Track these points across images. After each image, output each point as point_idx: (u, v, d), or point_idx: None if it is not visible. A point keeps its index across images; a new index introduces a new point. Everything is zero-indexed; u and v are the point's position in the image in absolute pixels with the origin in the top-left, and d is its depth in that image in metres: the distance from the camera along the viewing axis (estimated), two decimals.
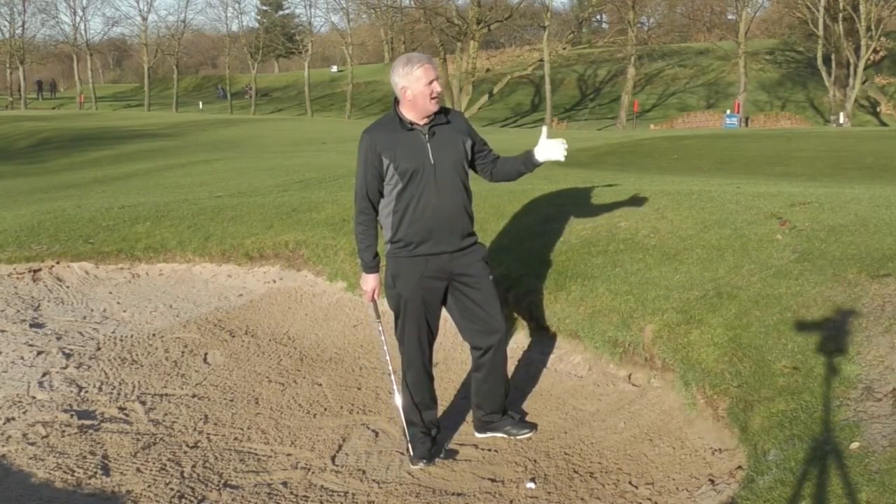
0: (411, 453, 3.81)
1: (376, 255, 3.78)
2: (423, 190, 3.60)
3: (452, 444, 3.98)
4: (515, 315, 5.03)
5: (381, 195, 3.68)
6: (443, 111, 3.70)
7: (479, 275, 3.77)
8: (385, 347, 4.00)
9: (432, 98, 3.58)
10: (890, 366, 3.38)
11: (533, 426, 4.04)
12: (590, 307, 4.65)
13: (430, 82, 3.55)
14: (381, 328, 4.00)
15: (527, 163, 3.85)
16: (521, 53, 59.84)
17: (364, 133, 3.67)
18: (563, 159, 3.80)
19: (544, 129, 4.00)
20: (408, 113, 3.64)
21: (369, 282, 3.81)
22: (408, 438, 3.83)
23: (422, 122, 3.64)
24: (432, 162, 3.61)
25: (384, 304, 4.05)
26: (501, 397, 3.97)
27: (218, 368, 5.00)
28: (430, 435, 3.86)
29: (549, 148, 3.79)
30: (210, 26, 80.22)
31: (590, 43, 63.91)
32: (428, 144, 3.62)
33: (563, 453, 3.79)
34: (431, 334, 3.82)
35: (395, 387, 3.95)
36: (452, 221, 3.67)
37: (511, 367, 4.71)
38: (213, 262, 6.85)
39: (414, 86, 3.55)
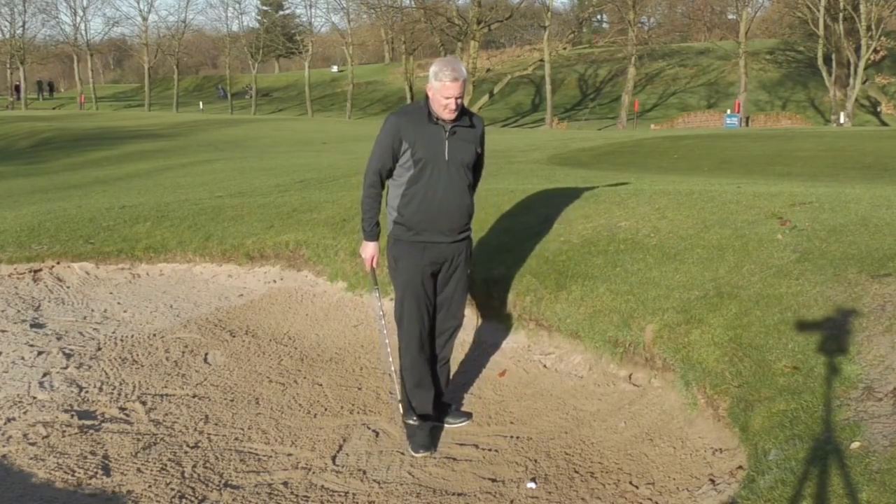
0: (410, 444, 3.89)
1: (378, 224, 3.99)
2: (433, 182, 3.82)
3: (453, 443, 3.99)
4: (515, 314, 5.03)
5: (391, 175, 3.91)
6: (469, 115, 3.90)
7: (462, 264, 4.01)
8: (384, 322, 4.16)
9: (445, 109, 3.75)
10: (890, 365, 3.38)
11: (469, 415, 4.21)
12: (590, 307, 4.65)
13: (448, 98, 3.72)
14: (378, 295, 4.21)
15: None
16: (522, 53, 59.89)
17: (391, 115, 3.90)
18: None
19: None
20: (436, 111, 3.82)
21: (368, 249, 4.03)
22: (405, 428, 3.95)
23: (447, 120, 3.81)
24: (446, 158, 3.82)
25: (384, 275, 4.30)
26: (446, 383, 4.22)
27: (218, 368, 5.00)
28: (428, 421, 3.92)
29: None
30: (210, 26, 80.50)
31: (590, 43, 63.93)
32: (447, 141, 3.82)
33: (564, 453, 3.79)
34: (430, 316, 3.98)
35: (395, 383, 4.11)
36: (454, 216, 3.88)
37: (511, 367, 4.72)
38: (214, 262, 6.85)
39: (434, 93, 3.76)
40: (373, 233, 4.00)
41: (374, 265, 4.08)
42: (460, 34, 43.74)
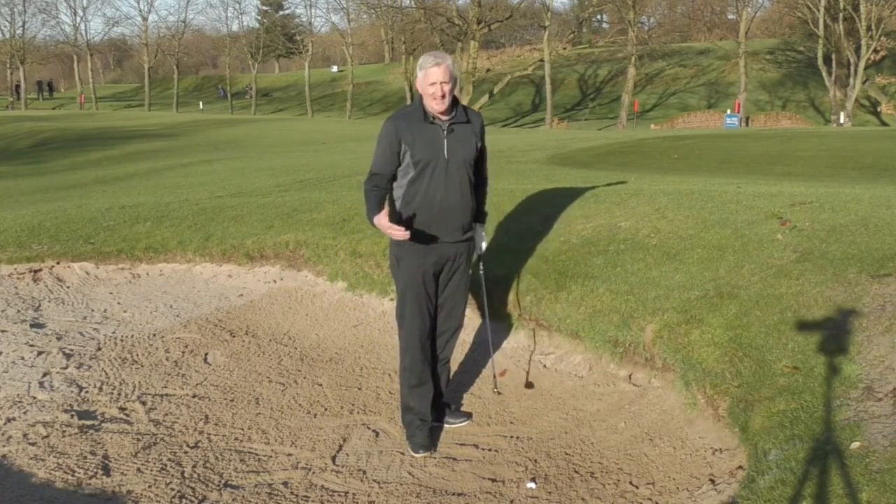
0: (410, 444, 3.89)
1: (379, 205, 3.78)
2: (434, 182, 3.78)
3: (453, 443, 3.99)
4: (515, 315, 5.03)
5: (394, 178, 3.86)
6: (464, 111, 3.86)
7: (464, 264, 3.99)
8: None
9: (433, 98, 3.70)
10: (890, 365, 3.38)
11: (469, 415, 4.22)
12: (590, 307, 4.65)
13: (433, 84, 3.67)
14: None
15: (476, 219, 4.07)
16: (522, 53, 59.90)
17: (389, 119, 3.85)
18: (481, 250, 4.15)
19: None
20: (429, 106, 3.79)
21: (382, 220, 3.67)
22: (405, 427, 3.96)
23: (443, 118, 3.78)
24: (446, 157, 3.78)
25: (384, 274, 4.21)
26: (446, 383, 4.21)
27: (218, 368, 5.00)
28: (428, 421, 3.94)
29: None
30: (210, 26, 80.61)
31: (590, 43, 63.97)
32: (445, 140, 3.79)
33: (564, 453, 3.79)
34: (432, 316, 3.96)
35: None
36: (455, 215, 3.85)
37: (511, 367, 4.72)
38: (214, 262, 6.85)
39: (422, 85, 3.73)
40: (378, 210, 3.69)
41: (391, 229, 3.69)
42: (460, 34, 43.71)
